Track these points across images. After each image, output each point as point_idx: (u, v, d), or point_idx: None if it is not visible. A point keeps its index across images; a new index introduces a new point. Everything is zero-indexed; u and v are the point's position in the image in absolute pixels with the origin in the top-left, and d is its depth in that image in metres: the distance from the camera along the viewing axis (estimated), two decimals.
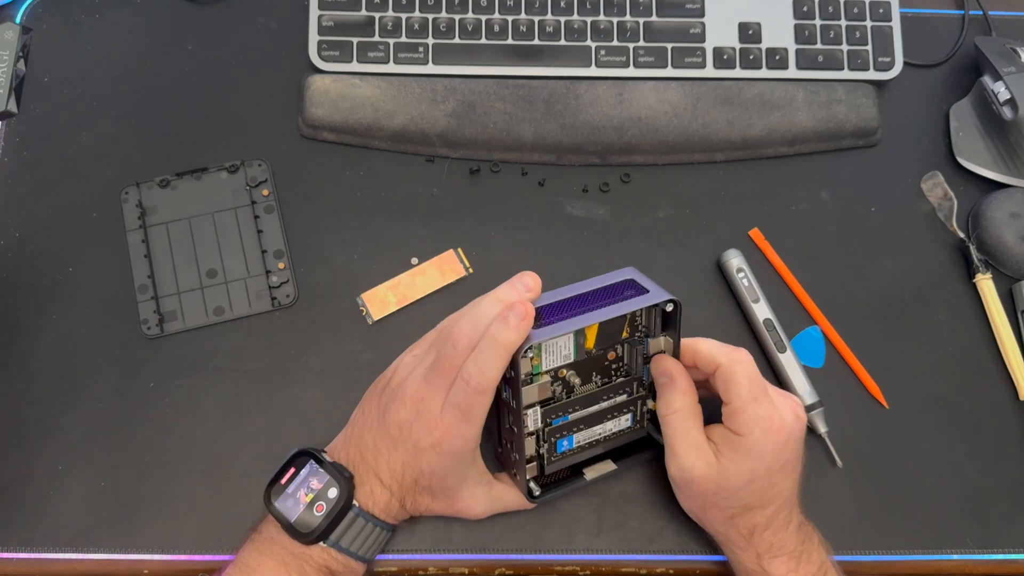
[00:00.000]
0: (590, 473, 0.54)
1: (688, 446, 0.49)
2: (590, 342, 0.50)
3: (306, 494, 0.49)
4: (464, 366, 0.46)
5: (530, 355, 0.48)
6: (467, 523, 0.55)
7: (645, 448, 0.55)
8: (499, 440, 0.54)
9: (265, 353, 0.59)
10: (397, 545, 0.55)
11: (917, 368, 0.61)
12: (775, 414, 0.48)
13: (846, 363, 0.61)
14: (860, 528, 0.57)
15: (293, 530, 0.49)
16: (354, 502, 0.50)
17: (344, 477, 0.50)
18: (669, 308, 0.50)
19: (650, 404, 0.53)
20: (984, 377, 0.61)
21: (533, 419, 0.50)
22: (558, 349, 0.49)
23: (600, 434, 0.53)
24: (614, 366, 0.52)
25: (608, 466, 0.54)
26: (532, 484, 0.53)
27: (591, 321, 0.48)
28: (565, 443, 0.52)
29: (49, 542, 0.55)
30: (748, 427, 0.48)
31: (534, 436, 0.51)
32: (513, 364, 0.46)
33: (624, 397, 0.53)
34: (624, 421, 0.53)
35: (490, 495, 0.52)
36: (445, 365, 0.47)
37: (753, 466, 0.48)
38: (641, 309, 0.49)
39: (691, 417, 0.49)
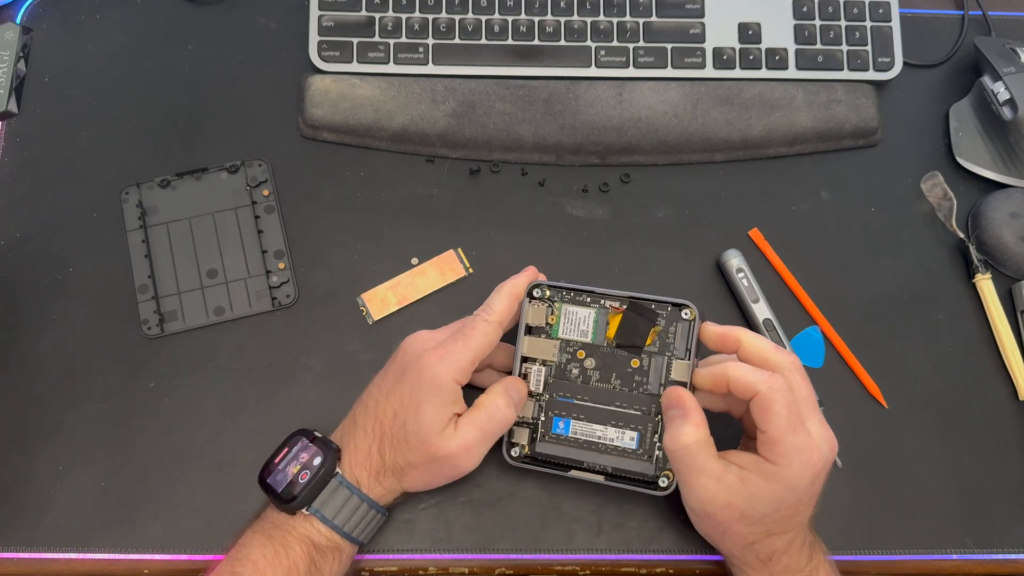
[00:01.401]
0: (576, 473, 0.53)
1: (707, 480, 0.47)
2: (611, 330, 0.52)
3: (295, 467, 0.50)
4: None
5: (537, 294, 0.53)
6: (467, 523, 0.55)
7: (644, 487, 0.52)
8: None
9: (265, 353, 0.59)
10: (397, 545, 0.55)
11: (917, 368, 0.61)
12: (813, 445, 0.47)
13: (846, 363, 0.61)
14: (860, 528, 0.57)
15: (279, 499, 0.50)
16: (337, 470, 0.51)
17: (331, 448, 0.51)
18: (686, 315, 0.51)
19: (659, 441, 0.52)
20: (984, 377, 0.61)
21: (536, 378, 0.53)
22: (576, 319, 0.53)
23: (599, 437, 0.53)
24: (636, 377, 0.52)
25: (597, 478, 0.53)
26: (515, 446, 0.53)
27: (603, 289, 0.52)
28: (561, 425, 0.53)
29: (49, 542, 0.55)
30: (786, 458, 0.46)
31: (534, 401, 0.53)
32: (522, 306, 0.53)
33: (636, 412, 0.52)
34: (628, 439, 0.52)
35: (466, 420, 0.50)
36: (458, 323, 0.53)
37: (783, 495, 0.47)
38: (667, 308, 0.52)
39: (705, 451, 0.48)
